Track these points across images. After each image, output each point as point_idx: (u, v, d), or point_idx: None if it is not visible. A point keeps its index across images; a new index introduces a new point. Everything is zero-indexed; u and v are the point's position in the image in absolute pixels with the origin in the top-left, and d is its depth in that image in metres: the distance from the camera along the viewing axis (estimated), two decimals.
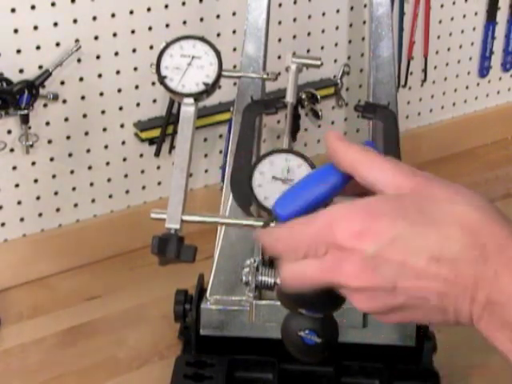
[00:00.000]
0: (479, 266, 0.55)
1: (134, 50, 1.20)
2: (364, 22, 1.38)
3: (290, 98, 0.86)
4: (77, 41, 1.15)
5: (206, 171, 1.34)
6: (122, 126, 1.24)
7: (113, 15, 1.17)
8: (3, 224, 1.20)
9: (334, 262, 0.57)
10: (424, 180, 0.58)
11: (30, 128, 1.15)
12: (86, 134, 1.21)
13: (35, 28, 1.12)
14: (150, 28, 1.20)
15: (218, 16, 1.25)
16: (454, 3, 1.48)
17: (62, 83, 1.16)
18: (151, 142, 1.26)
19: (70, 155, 1.21)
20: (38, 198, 1.21)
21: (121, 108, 1.23)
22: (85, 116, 1.20)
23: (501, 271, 0.54)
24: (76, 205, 1.25)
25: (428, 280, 0.55)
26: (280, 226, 0.61)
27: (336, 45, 1.38)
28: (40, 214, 1.22)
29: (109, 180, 1.26)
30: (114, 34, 1.18)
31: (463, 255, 0.55)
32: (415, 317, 0.58)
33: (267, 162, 0.73)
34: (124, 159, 1.26)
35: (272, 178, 0.72)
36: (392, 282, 0.56)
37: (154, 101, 1.25)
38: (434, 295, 0.56)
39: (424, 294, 0.56)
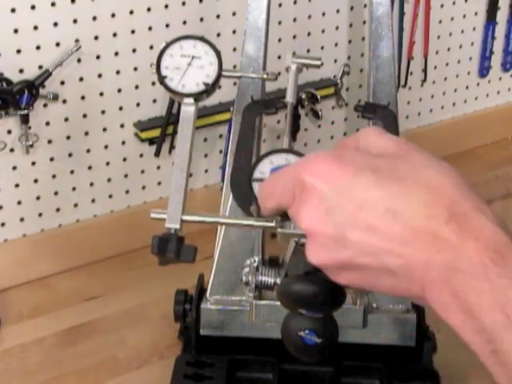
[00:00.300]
0: (440, 226, 0.52)
1: (134, 50, 1.20)
2: (364, 22, 1.39)
3: (290, 98, 0.86)
4: (77, 41, 1.15)
5: (206, 171, 1.34)
6: (122, 126, 1.24)
7: (113, 15, 1.17)
8: (3, 224, 1.20)
9: (297, 200, 0.58)
10: (408, 146, 0.58)
11: (29, 128, 1.15)
12: (86, 134, 1.21)
13: (35, 28, 1.12)
14: (150, 28, 1.20)
15: (217, 16, 1.25)
16: (454, 3, 1.48)
17: (62, 83, 1.16)
18: (151, 142, 1.26)
19: (70, 155, 1.21)
20: (38, 198, 1.21)
21: (121, 108, 1.23)
22: (85, 116, 1.20)
23: (465, 237, 0.52)
24: (76, 205, 1.25)
25: (379, 235, 0.53)
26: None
27: (336, 45, 1.38)
28: (40, 214, 1.22)
29: (109, 180, 1.26)
30: (114, 34, 1.18)
31: (422, 212, 0.53)
32: (365, 280, 0.56)
33: (267, 161, 0.73)
34: (124, 159, 1.26)
35: None
36: (342, 230, 0.54)
37: (154, 101, 1.25)
38: (383, 253, 0.54)
39: (373, 250, 0.54)
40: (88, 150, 1.22)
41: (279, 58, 1.30)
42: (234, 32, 1.27)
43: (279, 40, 1.31)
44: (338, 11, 1.36)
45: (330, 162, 0.56)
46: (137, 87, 1.23)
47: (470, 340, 0.52)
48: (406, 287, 0.55)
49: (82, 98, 1.19)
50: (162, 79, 0.86)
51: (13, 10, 1.10)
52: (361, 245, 0.54)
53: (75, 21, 1.14)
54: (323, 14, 1.35)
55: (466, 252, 0.51)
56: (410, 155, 0.57)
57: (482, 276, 0.51)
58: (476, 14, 1.52)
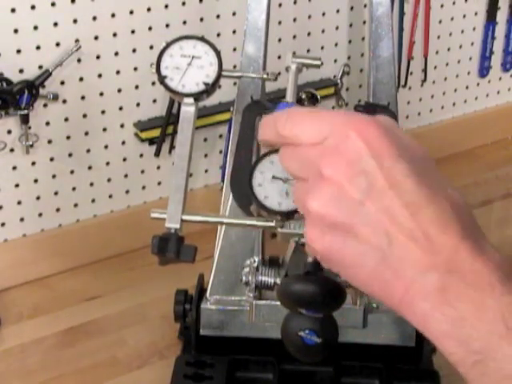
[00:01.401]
0: (452, 240, 0.53)
1: (134, 50, 1.20)
2: (364, 22, 1.39)
3: (289, 97, 0.86)
4: (77, 41, 1.15)
5: (206, 171, 1.34)
6: (122, 126, 1.24)
7: (113, 15, 1.17)
8: (3, 224, 1.20)
9: (328, 148, 0.57)
10: (431, 159, 0.59)
11: (29, 128, 1.15)
12: (86, 134, 1.21)
13: (35, 28, 1.12)
14: (150, 28, 1.20)
15: (217, 16, 1.25)
16: (454, 3, 1.48)
17: (62, 83, 1.16)
18: (151, 142, 1.26)
19: (70, 155, 1.21)
20: (38, 198, 1.21)
21: (121, 108, 1.23)
22: (85, 116, 1.20)
23: (478, 254, 0.53)
24: (76, 205, 1.25)
25: (393, 219, 0.54)
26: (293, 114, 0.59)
27: (336, 45, 1.38)
28: (40, 214, 1.22)
29: (109, 180, 1.26)
30: (114, 34, 1.18)
31: (440, 223, 0.54)
32: (348, 255, 0.56)
33: (267, 161, 0.72)
34: (124, 159, 1.26)
35: (272, 178, 0.72)
36: (363, 195, 0.55)
37: (154, 101, 1.25)
38: (388, 234, 0.54)
39: (379, 226, 0.54)
40: (88, 150, 1.22)
41: (279, 58, 1.30)
42: (234, 32, 1.27)
43: (279, 40, 1.31)
44: (338, 11, 1.36)
45: (382, 133, 0.56)
46: (137, 87, 1.23)
47: (451, 350, 0.52)
48: (388, 281, 0.54)
49: (82, 98, 1.19)
50: (162, 79, 0.86)
51: (13, 10, 1.10)
52: (371, 216, 0.54)
53: (75, 21, 1.14)
54: (323, 14, 1.35)
55: (476, 267, 0.53)
56: (433, 169, 0.58)
57: (488, 291, 0.52)
58: (476, 14, 1.52)
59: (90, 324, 1.15)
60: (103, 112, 1.21)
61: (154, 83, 1.22)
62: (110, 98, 1.21)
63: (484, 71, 1.57)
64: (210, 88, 0.86)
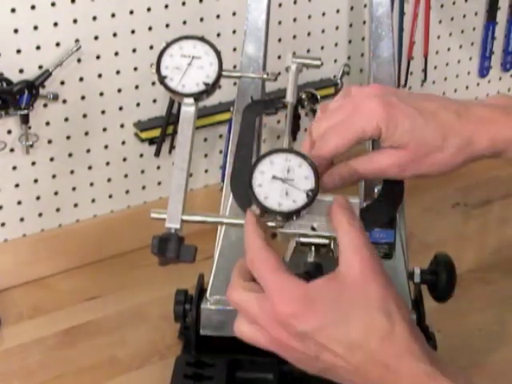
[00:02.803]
0: (382, 370, 0.65)
1: (134, 50, 1.20)
2: (364, 22, 1.39)
3: (290, 97, 0.86)
4: (77, 41, 1.15)
5: (206, 171, 1.34)
6: (122, 126, 1.24)
7: (113, 15, 1.17)
8: (3, 224, 1.20)
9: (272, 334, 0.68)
10: (368, 272, 0.67)
11: (30, 128, 1.15)
12: (86, 134, 1.21)
13: (35, 28, 1.12)
14: (150, 28, 1.20)
15: (217, 16, 1.25)
16: (453, 3, 1.48)
17: (62, 83, 1.16)
18: (151, 142, 1.26)
19: (70, 155, 1.21)
20: (38, 198, 1.21)
21: (121, 108, 1.23)
22: (85, 116, 1.20)
23: (402, 377, 0.65)
24: (76, 205, 1.25)
25: (342, 361, 0.66)
26: (241, 293, 0.71)
27: (336, 45, 1.38)
28: (40, 214, 1.22)
29: (109, 180, 1.26)
30: (114, 34, 1.18)
31: (372, 357, 0.65)
32: (335, 378, 0.69)
33: (267, 161, 0.73)
34: (124, 159, 1.26)
35: (272, 178, 0.72)
36: (315, 353, 0.67)
37: (154, 101, 1.25)
38: (345, 371, 0.67)
39: (338, 369, 0.67)
40: (88, 150, 1.22)
41: (279, 58, 1.30)
42: (234, 32, 1.27)
43: (279, 40, 1.31)
44: (338, 11, 1.36)
45: (301, 303, 0.67)
46: (137, 87, 1.23)
47: None
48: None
49: (82, 98, 1.19)
50: (162, 79, 0.86)
51: (13, 10, 1.10)
52: (331, 364, 0.67)
53: (75, 21, 1.14)
54: (323, 14, 1.35)
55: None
56: (366, 288, 0.66)
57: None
58: (476, 14, 1.52)
59: (90, 324, 1.15)
60: (103, 112, 1.21)
61: (154, 83, 1.22)
62: (109, 98, 1.21)
63: (484, 71, 1.57)
64: (210, 88, 0.86)
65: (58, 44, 1.14)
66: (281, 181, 0.72)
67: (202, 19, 1.24)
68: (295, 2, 1.32)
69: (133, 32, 1.19)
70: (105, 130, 1.23)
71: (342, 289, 0.66)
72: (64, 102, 1.17)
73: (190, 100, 0.86)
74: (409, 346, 0.65)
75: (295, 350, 0.68)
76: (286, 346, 0.68)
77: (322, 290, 0.67)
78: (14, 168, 1.18)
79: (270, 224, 0.75)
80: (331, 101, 0.81)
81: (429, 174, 0.79)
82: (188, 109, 0.86)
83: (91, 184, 1.25)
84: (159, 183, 1.30)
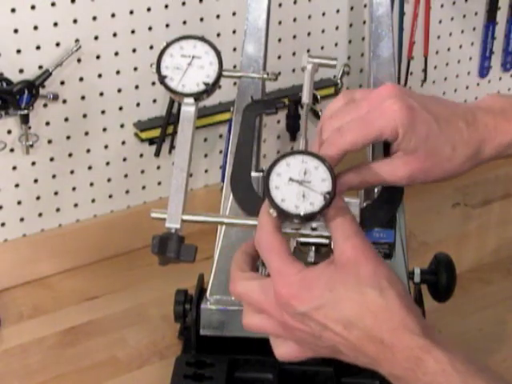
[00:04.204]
0: (378, 346, 0.67)
1: (134, 50, 1.20)
2: (364, 22, 1.39)
3: (305, 98, 0.85)
4: (77, 41, 1.15)
5: (206, 171, 1.34)
6: (122, 126, 1.24)
7: (113, 15, 1.17)
8: (3, 224, 1.20)
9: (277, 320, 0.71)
10: (359, 255, 0.69)
11: (29, 128, 1.15)
12: (86, 134, 1.21)
13: (35, 28, 1.12)
14: (150, 28, 1.20)
15: (217, 16, 1.25)
16: (454, 3, 1.48)
17: (62, 83, 1.16)
18: (151, 142, 1.26)
19: (70, 155, 1.21)
20: (38, 198, 1.21)
21: (121, 108, 1.23)
22: (85, 116, 1.20)
23: (397, 350, 0.66)
24: (76, 205, 1.25)
25: (342, 339, 0.68)
26: (244, 284, 0.73)
27: (336, 45, 1.38)
28: (40, 214, 1.22)
29: (109, 180, 1.26)
30: (114, 34, 1.18)
31: (367, 333, 0.67)
32: (340, 356, 0.71)
33: (284, 163, 0.72)
34: (124, 159, 1.26)
35: (289, 180, 0.71)
36: (319, 332, 0.68)
37: (154, 101, 1.25)
38: (346, 348, 0.69)
39: (340, 347, 0.69)
40: (88, 150, 1.22)
41: (279, 57, 1.31)
42: (234, 32, 1.27)
43: (279, 40, 1.31)
44: (337, 11, 1.36)
45: (300, 286, 0.69)
46: (137, 87, 1.23)
47: None
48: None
49: (82, 98, 1.19)
50: (162, 79, 0.86)
51: (13, 10, 1.10)
52: (333, 341, 0.69)
53: (75, 21, 1.14)
54: (323, 14, 1.35)
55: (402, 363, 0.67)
56: (357, 269, 0.68)
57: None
58: (476, 13, 1.52)
59: (90, 324, 1.15)
60: (103, 112, 1.21)
61: (154, 83, 1.22)
62: (109, 98, 1.21)
63: (484, 71, 1.57)
64: (210, 88, 0.86)
65: (58, 44, 1.14)
66: (297, 183, 0.71)
67: (201, 19, 1.24)
68: (295, 2, 1.32)
69: (133, 32, 1.19)
70: (105, 130, 1.23)
71: (336, 272, 0.69)
72: (64, 102, 1.17)
73: (190, 100, 0.86)
74: (402, 320, 0.67)
75: (300, 330, 0.69)
76: (291, 327, 0.69)
77: (319, 274, 0.69)
78: (14, 168, 1.18)
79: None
80: (335, 100, 0.81)
81: (434, 181, 0.79)
82: (188, 109, 0.86)
83: (91, 184, 1.25)
84: (159, 183, 1.30)
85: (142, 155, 1.27)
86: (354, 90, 0.82)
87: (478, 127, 0.79)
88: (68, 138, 1.20)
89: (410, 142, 0.75)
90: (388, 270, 0.69)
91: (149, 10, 1.20)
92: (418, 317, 0.68)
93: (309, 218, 0.71)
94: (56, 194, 1.22)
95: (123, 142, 1.25)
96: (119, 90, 1.21)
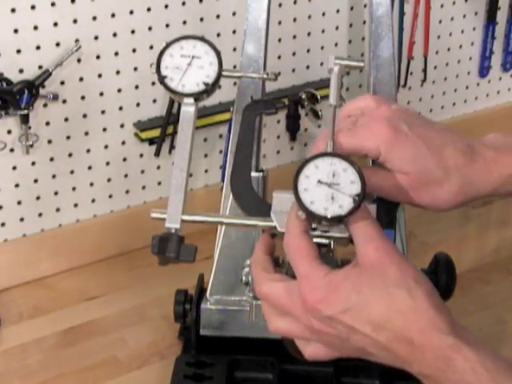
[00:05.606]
0: (408, 346, 0.67)
1: (134, 50, 1.20)
2: (364, 22, 1.39)
3: (333, 100, 0.85)
4: (77, 41, 1.15)
5: (206, 171, 1.34)
6: (121, 126, 1.24)
7: (113, 15, 1.17)
8: (3, 224, 1.20)
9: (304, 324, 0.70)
10: (383, 257, 0.69)
11: (29, 128, 1.15)
12: (86, 134, 1.21)
13: (35, 28, 1.12)
14: (150, 28, 1.20)
15: (217, 16, 1.25)
16: (453, 3, 1.48)
17: (62, 83, 1.16)
18: (151, 142, 1.26)
19: (70, 155, 1.21)
20: (38, 198, 1.21)
21: (121, 108, 1.23)
22: (85, 116, 1.20)
23: (427, 350, 0.67)
24: (76, 205, 1.25)
25: (371, 340, 0.68)
26: (270, 285, 0.73)
27: (336, 45, 1.38)
28: (40, 214, 1.22)
29: (109, 180, 1.26)
30: (114, 34, 1.18)
31: (397, 334, 0.67)
32: (370, 357, 0.71)
33: (312, 165, 0.71)
34: (124, 159, 1.26)
35: (317, 182, 0.71)
36: (346, 335, 0.69)
37: (154, 101, 1.25)
38: (375, 349, 0.69)
39: (370, 348, 0.69)
40: (88, 150, 1.22)
41: (279, 58, 1.31)
42: (234, 32, 1.27)
43: (279, 40, 1.31)
44: (337, 11, 1.36)
45: (327, 289, 0.69)
46: (137, 87, 1.23)
47: None
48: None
49: (82, 98, 1.19)
50: (161, 79, 0.86)
51: (13, 10, 1.10)
52: (361, 343, 0.69)
53: (75, 21, 1.14)
54: (323, 14, 1.35)
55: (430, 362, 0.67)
56: (384, 270, 0.68)
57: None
58: (476, 13, 1.52)
59: (90, 324, 1.15)
60: (103, 112, 1.21)
61: (154, 83, 1.22)
62: (109, 98, 1.21)
63: (484, 71, 1.57)
64: (210, 88, 0.86)
65: (58, 44, 1.14)
66: (326, 185, 0.71)
67: (202, 19, 1.24)
68: (295, 2, 1.32)
69: (133, 32, 1.19)
70: (105, 130, 1.23)
71: (361, 274, 0.69)
72: (64, 102, 1.17)
73: (190, 100, 0.86)
74: (431, 320, 0.67)
75: (328, 333, 0.69)
76: (318, 331, 0.70)
77: (345, 277, 0.69)
78: (14, 168, 1.18)
79: (270, 224, 0.74)
80: (359, 99, 0.86)
81: (427, 207, 0.80)
82: (188, 109, 0.86)
83: (91, 184, 1.25)
84: (159, 183, 1.30)
85: (141, 155, 1.27)
86: (373, 98, 0.85)
87: (476, 158, 0.81)
88: (68, 138, 1.20)
89: (392, 161, 0.77)
90: (414, 270, 0.69)
91: (149, 10, 1.20)
92: (447, 315, 0.68)
93: (338, 220, 0.70)
94: (56, 193, 1.22)
95: (123, 142, 1.25)
96: (119, 90, 1.21)
